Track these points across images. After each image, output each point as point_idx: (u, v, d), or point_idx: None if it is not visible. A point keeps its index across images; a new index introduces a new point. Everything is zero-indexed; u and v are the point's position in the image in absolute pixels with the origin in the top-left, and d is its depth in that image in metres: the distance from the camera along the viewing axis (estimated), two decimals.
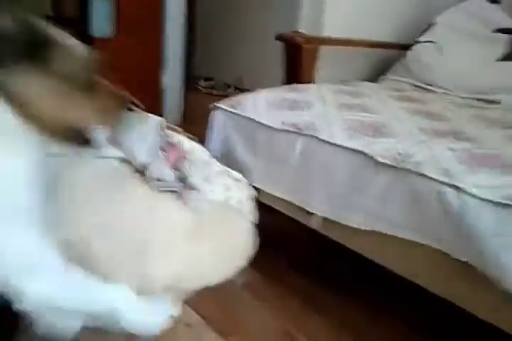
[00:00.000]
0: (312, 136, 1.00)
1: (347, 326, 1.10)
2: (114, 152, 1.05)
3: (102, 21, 2.43)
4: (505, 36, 1.75)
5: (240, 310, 1.15)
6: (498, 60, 1.71)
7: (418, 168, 0.81)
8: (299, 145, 1.02)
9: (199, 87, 4.31)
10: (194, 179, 1.03)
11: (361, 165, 0.90)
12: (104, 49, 2.42)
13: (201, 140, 1.58)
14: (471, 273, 0.75)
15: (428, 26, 1.92)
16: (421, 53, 1.84)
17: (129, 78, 2.75)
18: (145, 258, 0.88)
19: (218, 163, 1.13)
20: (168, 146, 1.05)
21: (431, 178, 0.79)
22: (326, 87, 1.40)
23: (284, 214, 1.18)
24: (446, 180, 0.77)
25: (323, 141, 0.97)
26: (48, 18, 1.73)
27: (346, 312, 1.14)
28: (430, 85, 1.75)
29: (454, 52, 1.77)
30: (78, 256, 0.84)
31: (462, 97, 1.60)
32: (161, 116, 2.79)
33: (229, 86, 4.29)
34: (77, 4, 2.20)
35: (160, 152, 1.03)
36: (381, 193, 0.86)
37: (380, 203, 0.87)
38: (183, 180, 1.03)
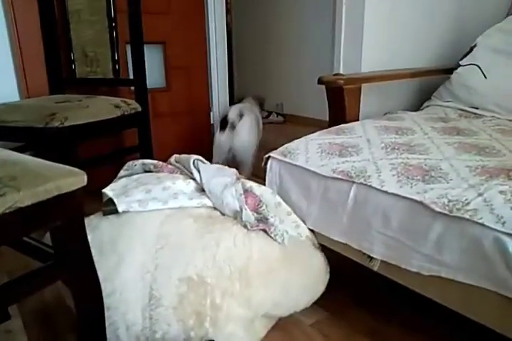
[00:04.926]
0: (364, 184, 1.06)
1: None
2: (204, 201, 1.18)
3: (155, 74, 2.63)
4: None
5: None
6: None
7: (474, 217, 0.84)
8: (352, 192, 1.08)
9: None
10: (272, 219, 1.14)
11: (415, 213, 0.94)
12: (160, 98, 2.61)
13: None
14: None
15: (470, 49, 1.93)
16: (465, 77, 1.85)
17: (182, 119, 2.95)
18: (248, 284, 1.02)
19: (285, 204, 1.22)
20: (245, 193, 1.17)
21: (486, 226, 0.82)
22: (371, 125, 1.45)
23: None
24: (500, 227, 0.80)
25: (375, 188, 1.03)
26: (109, 80, 1.92)
27: None
28: (477, 108, 1.76)
29: (498, 73, 1.77)
30: (196, 288, 0.99)
31: (510, 120, 1.60)
32: (211, 149, 2.94)
33: (270, 113, 4.41)
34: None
35: (242, 198, 1.14)
36: (437, 239, 0.90)
37: (438, 249, 0.90)
38: (264, 220, 1.14)
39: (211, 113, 2.92)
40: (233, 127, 2.01)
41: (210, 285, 1.04)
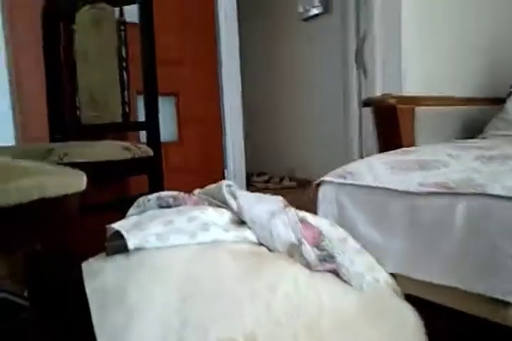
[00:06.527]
0: (479, 194, 0.75)
1: None
2: (245, 234, 0.86)
3: (167, 127, 2.46)
4: None
5: None
6: None
7: None
8: (460, 208, 0.77)
9: (254, 184, 4.22)
10: (340, 257, 0.81)
11: None
12: (172, 151, 2.38)
13: None
14: None
15: None
16: None
17: (196, 174, 2.69)
18: None
19: (352, 239, 0.90)
20: (301, 223, 0.85)
21: None
22: (439, 146, 1.18)
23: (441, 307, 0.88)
24: None
25: (500, 197, 0.72)
26: (118, 124, 1.68)
27: None
28: None
29: None
30: None
31: None
32: None
33: (282, 178, 4.20)
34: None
35: (299, 226, 0.83)
36: None
37: None
38: (328, 259, 0.81)
39: (225, 170, 2.68)
40: None
41: None
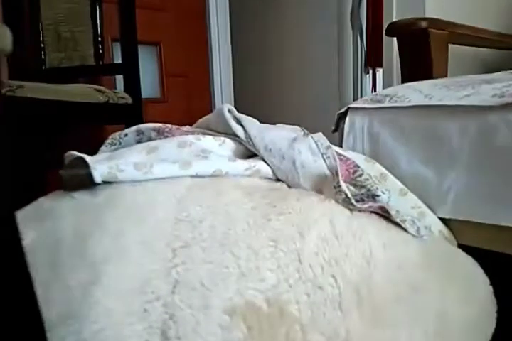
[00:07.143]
0: None
1: None
2: (258, 166, 0.64)
3: (147, 81, 2.19)
4: None
5: None
6: None
7: None
8: None
9: None
10: (385, 195, 0.59)
11: None
12: (154, 110, 2.11)
13: None
14: None
15: None
16: None
17: None
18: (377, 318, 0.45)
19: (393, 177, 0.68)
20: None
21: None
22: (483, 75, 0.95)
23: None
24: None
25: None
26: (90, 67, 1.42)
27: None
28: None
29: None
30: (267, 327, 0.41)
31: None
32: None
33: None
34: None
35: (332, 152, 0.60)
36: None
37: None
38: (368, 198, 0.59)
39: None
40: None
41: (299, 322, 0.46)
